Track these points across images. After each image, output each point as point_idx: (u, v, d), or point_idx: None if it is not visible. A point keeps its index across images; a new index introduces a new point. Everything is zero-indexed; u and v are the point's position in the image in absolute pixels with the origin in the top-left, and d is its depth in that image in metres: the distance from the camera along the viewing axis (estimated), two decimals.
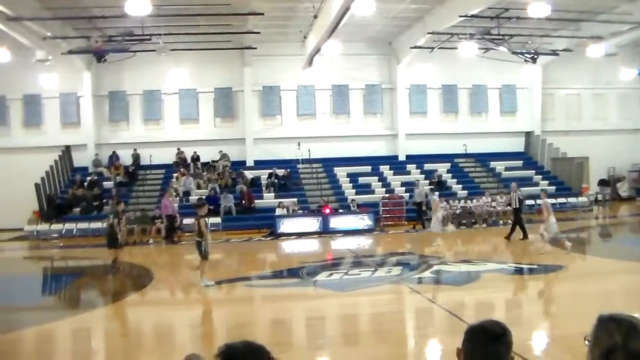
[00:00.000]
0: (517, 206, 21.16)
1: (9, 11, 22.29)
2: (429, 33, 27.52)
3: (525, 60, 29.00)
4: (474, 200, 27.67)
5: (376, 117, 34.32)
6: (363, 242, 23.50)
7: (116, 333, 11.43)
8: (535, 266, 16.14)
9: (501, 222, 26.73)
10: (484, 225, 26.33)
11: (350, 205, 27.80)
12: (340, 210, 27.47)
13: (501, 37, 27.09)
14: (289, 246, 23.78)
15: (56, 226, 26.83)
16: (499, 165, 33.31)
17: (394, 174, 31.80)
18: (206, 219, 15.63)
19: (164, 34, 25.25)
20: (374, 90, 33.91)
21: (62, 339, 11.35)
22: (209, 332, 11.30)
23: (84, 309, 13.89)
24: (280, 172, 30.57)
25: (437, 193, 26.41)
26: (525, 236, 20.75)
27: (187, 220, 23.65)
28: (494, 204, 27.41)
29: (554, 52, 29.61)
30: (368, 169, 32.35)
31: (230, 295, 14.57)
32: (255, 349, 2.63)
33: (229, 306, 13.54)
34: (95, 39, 24.44)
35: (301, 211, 27.18)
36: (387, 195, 29.21)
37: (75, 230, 26.41)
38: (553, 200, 28.87)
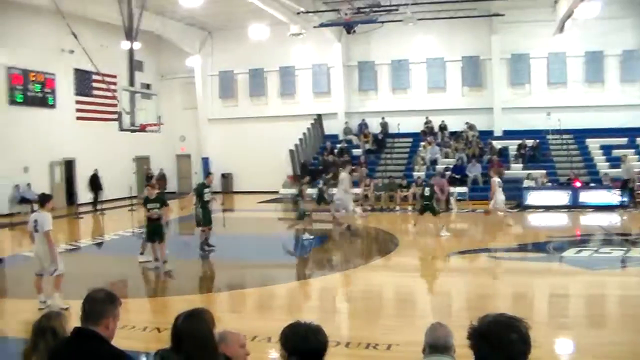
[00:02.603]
0: None
1: None
2: None
3: None
4: None
5: (634, 85, 31.24)
6: (615, 219, 21.91)
7: (359, 295, 11.84)
8: None
9: None
10: None
11: (602, 179, 26.03)
12: (592, 184, 25.87)
13: None
14: (536, 219, 23.03)
15: (308, 190, 28.24)
16: None
17: None
18: None
19: (411, 4, 25.29)
20: (632, 56, 30.90)
21: (309, 295, 12.02)
22: (449, 302, 11.29)
23: (330, 270, 14.67)
24: (529, 142, 29.43)
25: None
26: None
27: None
28: None
29: None
30: (623, 141, 29.70)
31: (473, 266, 14.43)
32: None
33: (471, 277, 13.41)
34: (344, 12, 25.28)
35: (550, 183, 26.08)
36: None
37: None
38: None
